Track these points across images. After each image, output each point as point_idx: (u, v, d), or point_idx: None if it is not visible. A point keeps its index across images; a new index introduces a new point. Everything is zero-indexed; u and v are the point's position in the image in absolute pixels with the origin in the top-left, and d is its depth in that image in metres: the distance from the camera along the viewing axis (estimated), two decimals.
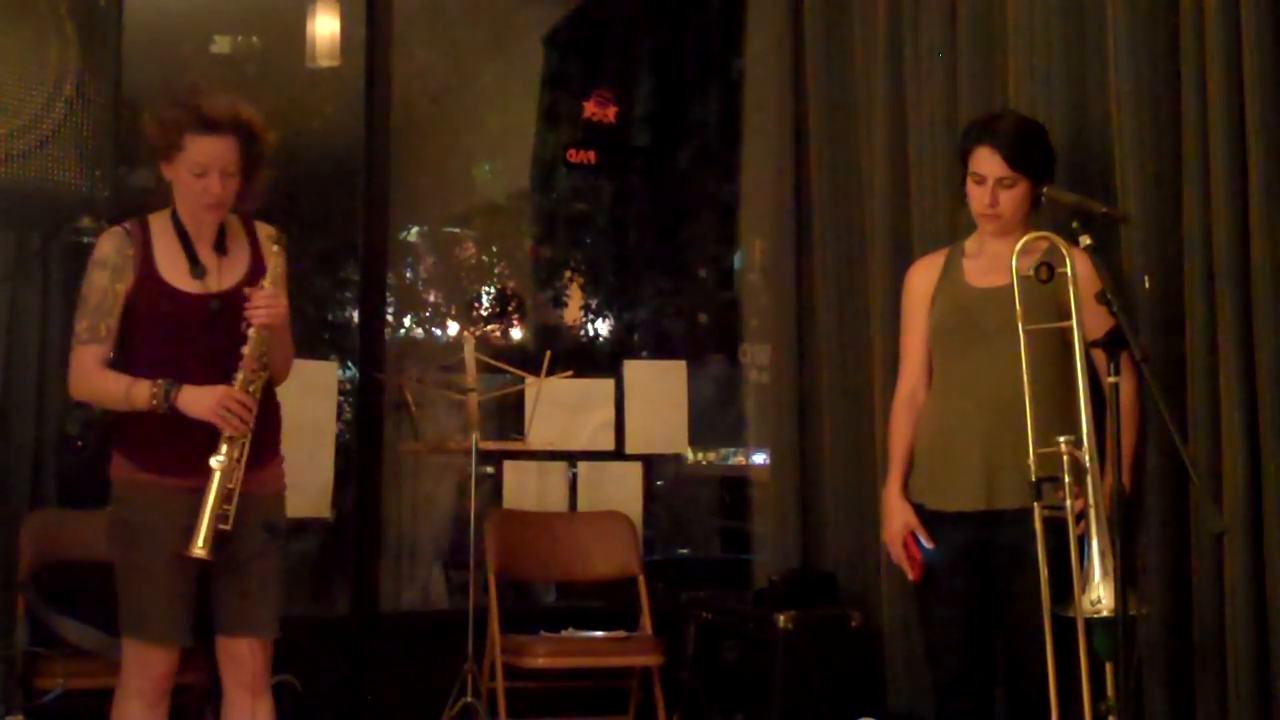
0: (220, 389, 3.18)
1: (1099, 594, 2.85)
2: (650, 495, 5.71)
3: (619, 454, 5.30)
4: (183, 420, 3.18)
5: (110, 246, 3.28)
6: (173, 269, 3.27)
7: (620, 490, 5.23)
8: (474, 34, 6.25)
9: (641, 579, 4.80)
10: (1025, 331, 3.14)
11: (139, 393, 3.19)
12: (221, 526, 3.13)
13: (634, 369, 5.44)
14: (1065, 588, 2.95)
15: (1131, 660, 2.84)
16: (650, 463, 5.58)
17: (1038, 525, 3.01)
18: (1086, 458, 2.94)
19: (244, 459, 3.18)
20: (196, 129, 3.18)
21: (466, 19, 6.21)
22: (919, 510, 3.45)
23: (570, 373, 5.01)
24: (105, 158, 3.48)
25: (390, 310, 5.49)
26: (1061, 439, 2.95)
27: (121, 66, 3.64)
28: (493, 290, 6.64)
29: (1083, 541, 2.92)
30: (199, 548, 3.11)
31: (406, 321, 6.34)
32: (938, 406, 3.47)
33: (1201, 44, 3.26)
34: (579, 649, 4.60)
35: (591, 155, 5.92)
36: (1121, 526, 2.87)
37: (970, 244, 3.51)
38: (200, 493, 3.15)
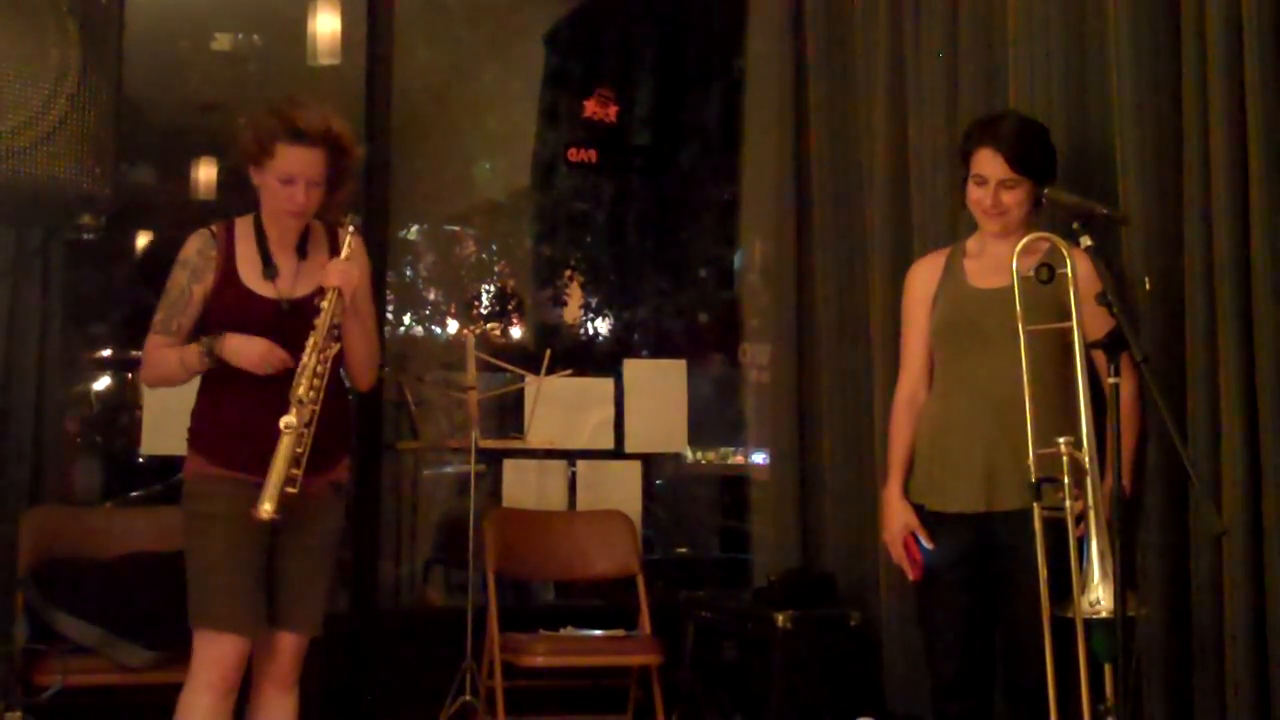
0: (262, 340, 3.26)
1: (1098, 595, 2.85)
2: (649, 494, 5.71)
3: (618, 453, 5.30)
4: (255, 417, 3.23)
5: (194, 247, 3.40)
6: (250, 271, 3.37)
7: (620, 489, 5.23)
8: (475, 33, 6.26)
9: (640, 578, 4.80)
10: (1026, 332, 3.13)
11: (190, 355, 3.31)
12: (289, 489, 3.14)
13: (634, 368, 5.45)
14: (1065, 588, 2.95)
15: (1130, 661, 2.84)
16: (650, 462, 5.58)
17: (1037, 526, 3.01)
18: (1086, 459, 2.94)
19: (313, 425, 3.21)
20: (288, 139, 3.27)
21: (467, 18, 6.22)
22: (919, 511, 3.45)
23: (570, 371, 5.02)
24: (106, 155, 3.47)
25: (390, 308, 5.49)
26: (1061, 440, 2.95)
27: (123, 64, 3.63)
28: (493, 289, 6.65)
29: (1082, 542, 2.92)
30: (265, 508, 3.11)
31: (406, 320, 6.35)
32: (938, 407, 3.47)
33: (1202, 44, 3.26)
34: (578, 648, 4.60)
35: (592, 154, 5.93)
36: (1121, 528, 2.87)
37: (971, 244, 3.51)
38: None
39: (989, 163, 3.34)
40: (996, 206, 3.35)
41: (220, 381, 3.34)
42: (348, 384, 3.55)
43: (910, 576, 3.46)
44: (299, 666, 3.38)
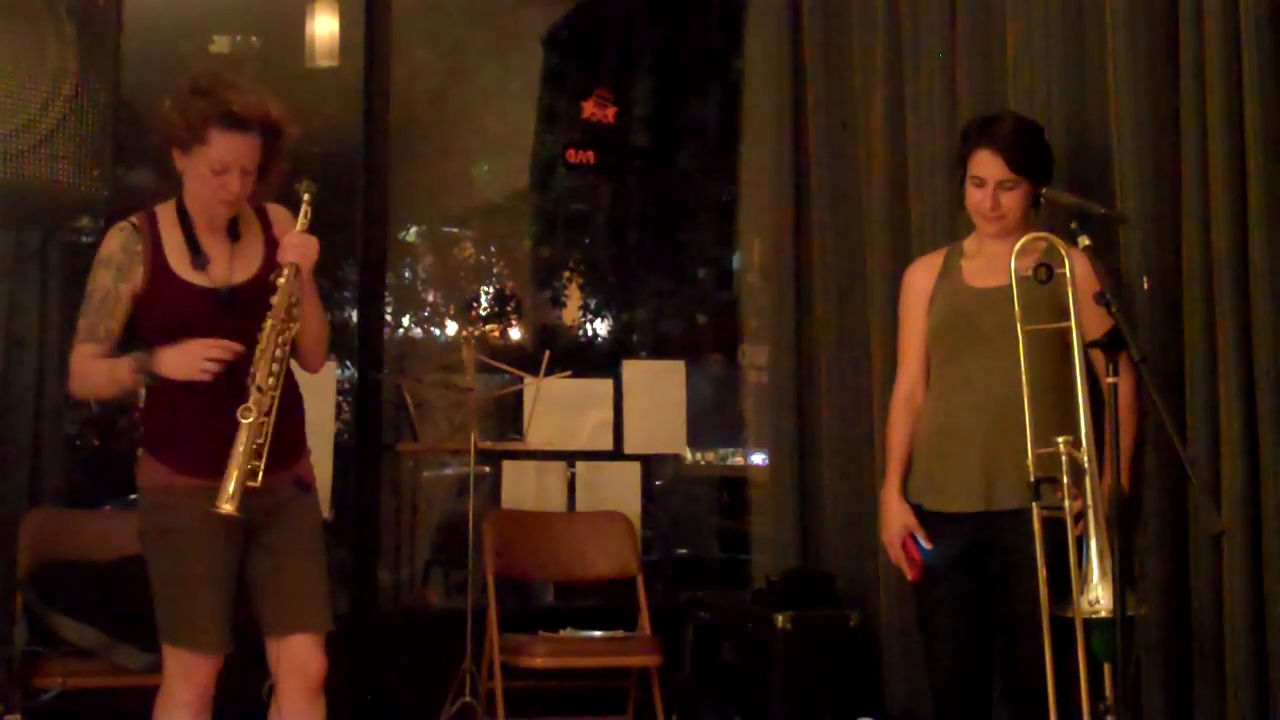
0: (194, 342, 3.00)
1: (1097, 594, 2.85)
2: (649, 495, 5.71)
3: (617, 454, 5.30)
4: (212, 418, 3.01)
5: (116, 243, 3.13)
6: (181, 262, 3.12)
7: (619, 490, 5.23)
8: (473, 34, 6.25)
9: (640, 579, 4.80)
10: (1024, 332, 3.13)
11: (121, 371, 3.06)
12: (250, 484, 2.93)
13: (633, 369, 5.45)
14: (1064, 588, 2.95)
15: (1130, 661, 2.84)
16: (649, 463, 5.58)
17: (1036, 525, 3.01)
18: (1085, 458, 2.94)
19: (273, 414, 2.99)
20: (222, 124, 3.01)
21: (465, 19, 6.21)
22: (917, 511, 3.45)
23: (569, 373, 5.01)
24: (104, 157, 3.48)
25: (389, 310, 5.49)
26: (1060, 439, 2.95)
27: (120, 66, 3.64)
28: (491, 290, 6.65)
29: (1081, 542, 2.92)
30: (226, 506, 2.91)
31: (405, 321, 6.34)
32: (936, 407, 3.47)
33: (1200, 44, 3.26)
34: (577, 649, 4.60)
35: (590, 155, 5.92)
36: (1120, 527, 2.87)
37: (969, 244, 3.51)
38: (253, 492, 2.99)
39: (987, 164, 3.34)
40: (995, 209, 3.35)
41: (124, 356, 3.08)
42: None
43: (909, 577, 3.46)
44: (324, 668, 3.16)
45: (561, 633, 4.69)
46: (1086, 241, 3.03)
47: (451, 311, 6.58)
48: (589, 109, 5.98)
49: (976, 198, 3.38)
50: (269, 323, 3.02)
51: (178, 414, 3.12)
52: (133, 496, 5.36)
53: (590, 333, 6.71)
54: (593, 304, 6.76)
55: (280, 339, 3.03)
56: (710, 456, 6.29)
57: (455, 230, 6.66)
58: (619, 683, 4.70)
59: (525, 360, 5.12)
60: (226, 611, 3.12)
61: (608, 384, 5.36)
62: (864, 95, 4.58)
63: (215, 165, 3.03)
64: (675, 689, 4.62)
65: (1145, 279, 3.36)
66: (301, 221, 3.13)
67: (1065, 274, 3.08)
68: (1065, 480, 2.96)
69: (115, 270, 3.11)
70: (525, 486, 5.18)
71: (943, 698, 3.46)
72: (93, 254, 3.21)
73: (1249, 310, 3.14)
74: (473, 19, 6.24)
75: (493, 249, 6.82)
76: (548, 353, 4.88)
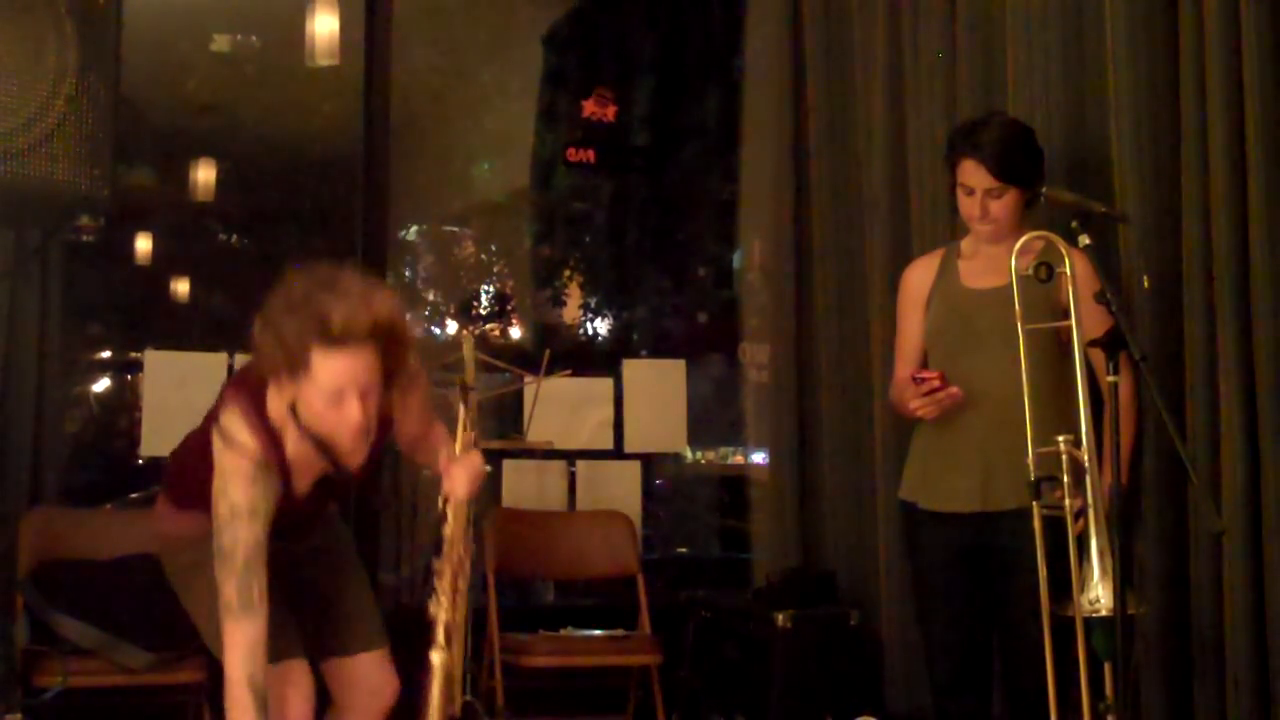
0: None
1: (1097, 593, 2.85)
2: (649, 494, 5.71)
3: (618, 453, 5.30)
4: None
5: (258, 490, 2.66)
6: (301, 474, 2.76)
7: (619, 489, 5.24)
8: (473, 33, 6.26)
9: (640, 578, 4.80)
10: (1024, 332, 3.13)
11: None
12: None
13: (633, 368, 5.45)
14: (1064, 587, 2.95)
15: (1130, 660, 2.84)
16: (649, 461, 5.58)
17: (1036, 524, 3.01)
18: (1085, 457, 2.94)
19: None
20: (325, 344, 2.52)
21: (466, 18, 6.22)
22: (911, 509, 3.45)
23: (569, 371, 5.01)
24: (104, 156, 3.47)
25: None
26: (1060, 438, 2.95)
27: (121, 65, 3.63)
28: (492, 289, 6.65)
29: (1081, 541, 2.92)
30: None
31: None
32: None
33: (1200, 44, 3.26)
34: (578, 648, 4.60)
35: (591, 154, 5.93)
36: (1120, 526, 2.87)
37: (966, 245, 3.51)
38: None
39: (973, 174, 3.33)
40: (985, 217, 3.34)
41: None
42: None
43: (952, 392, 3.30)
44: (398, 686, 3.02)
45: (562, 632, 4.69)
46: (1086, 240, 3.03)
47: (452, 310, 6.59)
48: (589, 108, 5.98)
49: (966, 206, 3.37)
50: (451, 562, 2.87)
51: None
52: (134, 495, 5.40)
53: (590, 331, 6.71)
54: (593, 303, 6.77)
55: (460, 572, 2.91)
56: (711, 455, 6.30)
57: (455, 229, 6.67)
58: (619, 682, 4.70)
59: (525, 359, 5.11)
60: (285, 620, 2.82)
61: (608, 383, 5.36)
62: (864, 94, 4.58)
63: (327, 390, 2.57)
64: (676, 688, 4.62)
65: (1145, 278, 3.36)
66: (470, 459, 2.96)
67: (1065, 273, 3.08)
68: (1065, 479, 2.95)
69: (263, 521, 2.67)
70: (526, 485, 5.18)
71: (942, 696, 3.46)
72: (93, 253, 3.16)
73: (1249, 309, 3.14)
74: (473, 17, 6.24)
75: (493, 248, 6.82)
76: (548, 351, 4.88)
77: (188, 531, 2.79)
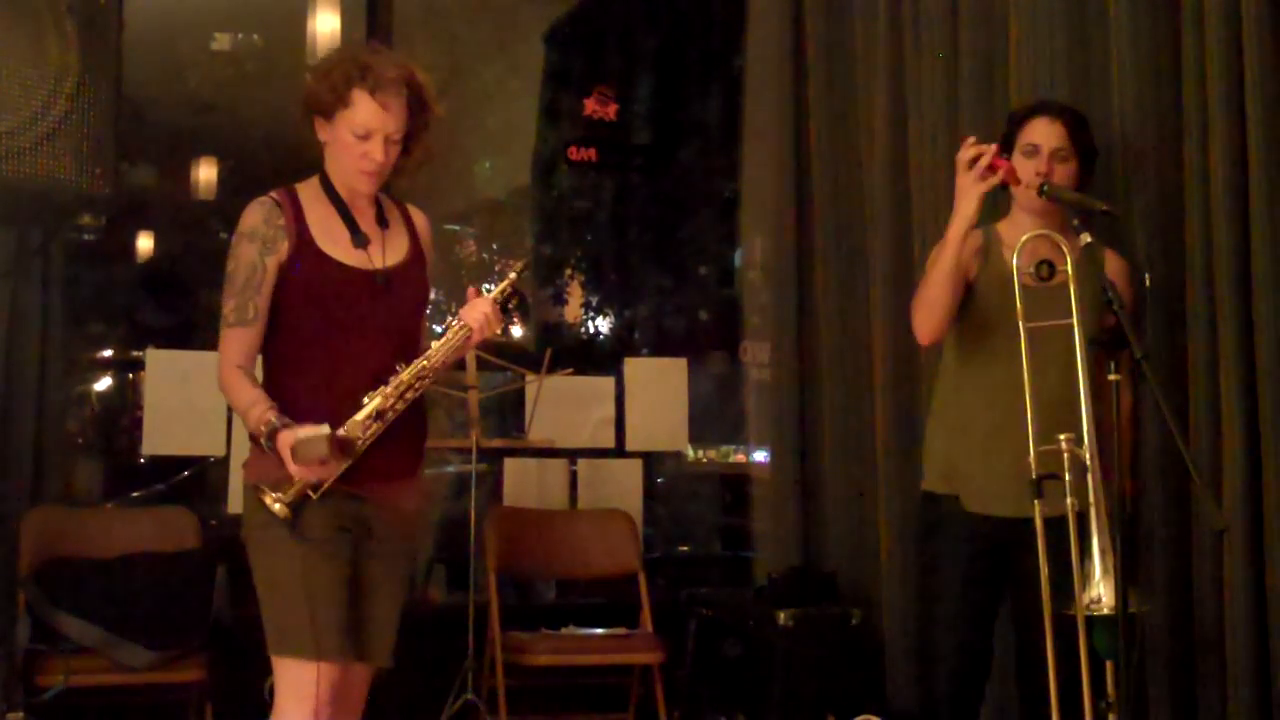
0: (322, 467, 2.75)
1: (1099, 592, 2.85)
2: (650, 492, 5.71)
3: (619, 451, 5.30)
4: (342, 414, 2.83)
5: (257, 217, 2.92)
6: (330, 240, 2.95)
7: (620, 487, 5.24)
8: (475, 32, 6.26)
9: (642, 576, 4.80)
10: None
11: (254, 415, 2.80)
12: (310, 494, 2.78)
13: (634, 366, 5.45)
14: (1067, 585, 2.94)
15: (1132, 658, 2.84)
16: (651, 460, 5.59)
17: (1038, 524, 3.00)
18: (1087, 456, 2.93)
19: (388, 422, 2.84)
20: (367, 86, 2.87)
21: (467, 16, 6.22)
22: (931, 498, 3.37)
23: (571, 370, 5.02)
24: (106, 155, 3.48)
25: None
26: (1062, 436, 2.93)
27: (122, 64, 3.63)
28: (493, 288, 6.65)
29: (1083, 539, 2.90)
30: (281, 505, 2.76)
31: None
32: (974, 401, 3.32)
33: (1202, 43, 3.26)
34: (579, 646, 4.60)
35: (592, 153, 5.93)
36: (1122, 524, 2.86)
37: (1004, 230, 3.35)
38: (360, 500, 2.88)
39: (1044, 130, 3.22)
40: (1049, 174, 3.18)
41: (264, 406, 2.80)
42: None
43: (1012, 172, 3.15)
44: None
45: (563, 630, 4.69)
46: (1088, 238, 3.02)
47: (453, 309, 6.58)
48: (591, 106, 5.98)
49: (1027, 167, 3.21)
50: (421, 363, 2.90)
51: (300, 410, 2.85)
52: (135, 494, 5.40)
53: (592, 330, 6.71)
54: (594, 301, 6.77)
55: (418, 384, 2.91)
56: (712, 454, 6.30)
57: (457, 228, 6.67)
58: (621, 680, 4.70)
59: (527, 358, 5.12)
60: (340, 618, 2.86)
61: (609, 381, 5.36)
62: (865, 92, 4.58)
63: (359, 129, 2.89)
64: (677, 686, 4.63)
65: (1147, 277, 3.35)
66: (497, 292, 3.04)
67: (1066, 272, 3.03)
68: (1067, 478, 2.94)
69: (260, 244, 2.91)
70: (527, 484, 5.18)
71: (945, 694, 3.44)
72: (94, 252, 3.18)
73: (1251, 307, 3.14)
74: (474, 16, 6.25)
75: (494, 246, 6.82)
76: (549, 350, 4.88)
77: (267, 475, 2.83)
